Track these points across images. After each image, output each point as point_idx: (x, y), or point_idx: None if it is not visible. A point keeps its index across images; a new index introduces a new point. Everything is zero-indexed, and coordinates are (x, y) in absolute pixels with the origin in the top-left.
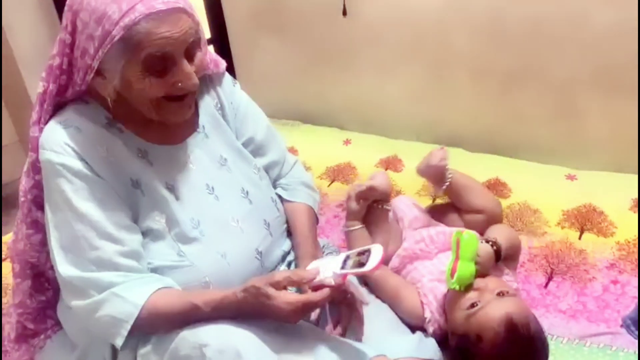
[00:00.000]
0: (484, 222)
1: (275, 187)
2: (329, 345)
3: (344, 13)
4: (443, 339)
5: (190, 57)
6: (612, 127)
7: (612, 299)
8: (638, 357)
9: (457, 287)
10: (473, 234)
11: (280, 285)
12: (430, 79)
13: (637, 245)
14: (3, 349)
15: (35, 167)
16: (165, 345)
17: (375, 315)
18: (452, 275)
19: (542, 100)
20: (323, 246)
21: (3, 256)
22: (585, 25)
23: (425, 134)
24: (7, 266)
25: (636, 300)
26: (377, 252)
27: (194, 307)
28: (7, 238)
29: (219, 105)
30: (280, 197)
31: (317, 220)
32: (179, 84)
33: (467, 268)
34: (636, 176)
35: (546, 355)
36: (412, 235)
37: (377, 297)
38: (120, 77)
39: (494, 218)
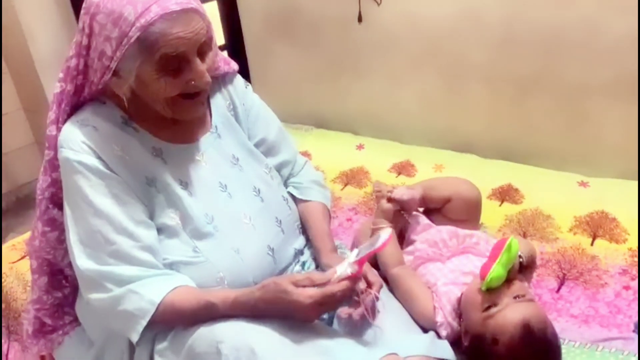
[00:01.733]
0: (460, 207)
1: (286, 186)
2: (341, 345)
3: (360, 20)
4: (455, 343)
5: (202, 56)
6: (625, 134)
7: (624, 304)
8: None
9: (484, 289)
10: (517, 241)
11: (299, 284)
12: (443, 86)
13: None
14: (23, 345)
15: (52, 165)
16: (182, 342)
17: (389, 314)
18: (483, 275)
19: (555, 108)
20: (336, 247)
21: (22, 254)
22: (599, 33)
23: (439, 140)
24: (25, 263)
25: None
26: (385, 232)
27: (210, 305)
28: (26, 236)
29: (231, 106)
30: (292, 196)
31: (330, 217)
32: (193, 82)
33: (500, 272)
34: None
35: (559, 356)
36: (423, 235)
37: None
38: (136, 77)
39: (468, 200)
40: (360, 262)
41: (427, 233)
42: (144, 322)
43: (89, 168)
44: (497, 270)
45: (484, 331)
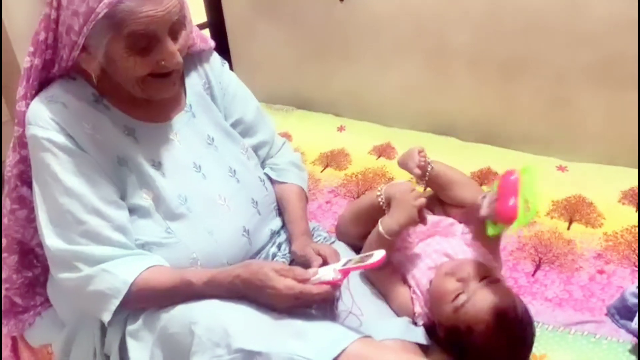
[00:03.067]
0: (465, 214)
1: (264, 167)
2: (316, 327)
3: None
4: (432, 331)
5: (174, 35)
6: (605, 119)
7: (598, 288)
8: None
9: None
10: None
11: (281, 272)
12: (426, 69)
13: (624, 237)
14: None
15: (22, 142)
16: (154, 323)
17: (365, 299)
18: (507, 216)
19: (536, 92)
20: (313, 228)
21: None
22: (581, 17)
23: (420, 123)
24: None
25: (621, 290)
26: (379, 253)
27: (186, 282)
28: None
29: (207, 85)
30: (269, 177)
31: (307, 199)
32: (163, 63)
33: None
34: (627, 169)
35: (533, 334)
36: None
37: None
38: (105, 54)
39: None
40: (344, 272)
41: None
42: (117, 302)
43: (57, 145)
44: (532, 204)
45: (457, 322)
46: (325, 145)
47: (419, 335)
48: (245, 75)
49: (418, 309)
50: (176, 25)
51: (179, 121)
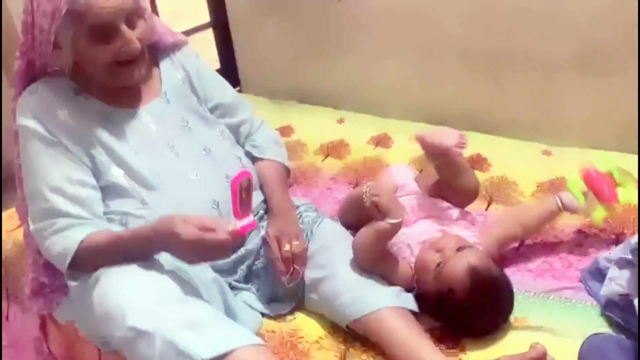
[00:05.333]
0: (461, 199)
1: (245, 145)
2: (215, 322)
3: None
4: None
5: (131, 24)
6: (589, 105)
7: (576, 259)
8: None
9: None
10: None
11: (188, 221)
12: (420, 62)
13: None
14: (23, 308)
15: (17, 135)
16: (90, 289)
17: (355, 270)
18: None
19: (523, 81)
20: (302, 206)
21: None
22: (564, 9)
23: (414, 113)
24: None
25: (595, 256)
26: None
27: (117, 238)
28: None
29: (184, 75)
30: (251, 155)
31: (288, 173)
32: (123, 49)
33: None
34: (606, 152)
35: (511, 296)
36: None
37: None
38: (72, 47)
39: (472, 195)
40: (245, 226)
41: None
42: (69, 258)
43: (31, 132)
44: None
45: (439, 286)
46: (325, 137)
47: (410, 301)
48: (249, 71)
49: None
50: (132, 16)
51: (154, 106)
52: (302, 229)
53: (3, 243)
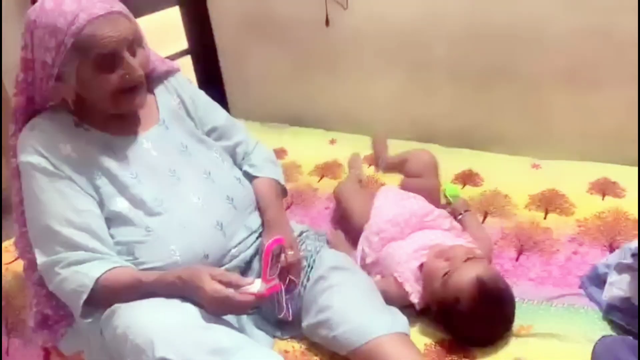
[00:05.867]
0: (417, 166)
1: (242, 165)
2: (241, 347)
3: (327, 23)
4: (426, 307)
5: (132, 52)
6: (574, 119)
7: (574, 266)
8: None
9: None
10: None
11: (215, 277)
12: (410, 81)
13: (594, 222)
14: (26, 338)
15: (18, 171)
16: (109, 322)
17: (352, 297)
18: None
19: (511, 98)
20: (304, 232)
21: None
22: (551, 27)
23: (405, 132)
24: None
25: (591, 263)
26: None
27: (136, 281)
28: (8, 244)
29: (179, 101)
30: (248, 174)
31: (284, 192)
32: (127, 76)
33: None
34: (594, 163)
35: (514, 306)
36: (388, 211)
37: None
38: (77, 78)
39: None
40: (272, 288)
41: (391, 214)
42: (84, 296)
43: (35, 167)
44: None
45: (446, 294)
46: (319, 158)
47: (404, 325)
48: (238, 96)
49: (409, 288)
50: (133, 44)
51: (154, 133)
52: (304, 256)
53: (3, 276)
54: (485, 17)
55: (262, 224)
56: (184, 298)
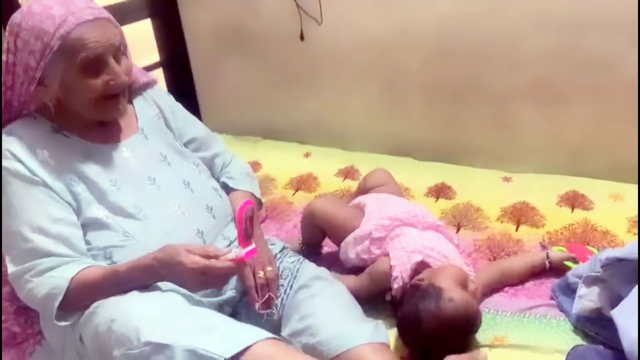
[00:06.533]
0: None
1: (220, 176)
2: (226, 323)
3: (302, 38)
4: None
5: (117, 59)
6: (543, 133)
7: (546, 278)
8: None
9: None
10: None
11: (192, 251)
12: (384, 96)
13: (563, 234)
14: None
15: None
16: (90, 322)
17: (333, 306)
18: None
19: (482, 112)
20: (286, 247)
21: None
22: (518, 45)
23: (380, 145)
24: None
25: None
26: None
27: (113, 272)
28: None
29: (158, 111)
30: (226, 186)
31: (260, 205)
32: (112, 82)
33: None
34: (563, 176)
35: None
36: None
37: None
38: (60, 83)
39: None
40: (248, 252)
41: (408, 205)
42: (60, 297)
43: (11, 173)
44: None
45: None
46: (293, 171)
47: (384, 336)
48: (211, 109)
49: (396, 273)
50: (118, 52)
51: (133, 142)
52: (286, 267)
53: None
54: (457, 34)
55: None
56: (164, 286)
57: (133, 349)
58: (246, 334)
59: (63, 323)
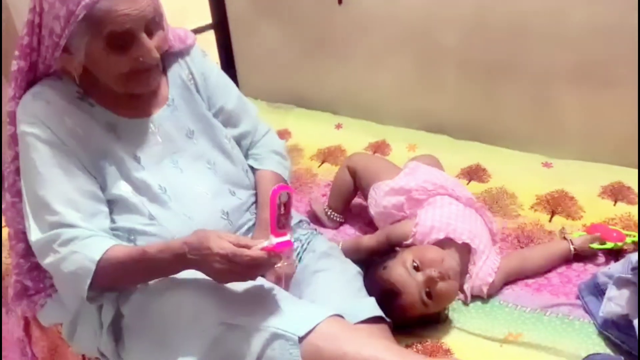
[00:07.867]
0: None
1: (247, 157)
2: (290, 304)
3: (340, 1)
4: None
5: (149, 33)
6: (586, 118)
7: (574, 275)
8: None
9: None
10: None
11: (223, 237)
12: (419, 70)
13: None
14: (7, 309)
15: (15, 139)
16: (146, 308)
17: (339, 281)
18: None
19: (522, 92)
20: (300, 221)
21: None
22: (564, 22)
23: (413, 121)
24: (6, 230)
25: (594, 272)
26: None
27: (141, 253)
28: None
29: (190, 76)
30: (252, 167)
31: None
32: (141, 59)
33: None
34: (607, 165)
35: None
36: (441, 175)
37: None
38: (85, 54)
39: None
40: (281, 243)
41: (454, 180)
42: (88, 280)
43: (39, 139)
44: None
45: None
46: (323, 142)
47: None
48: (246, 73)
49: (418, 234)
50: (151, 24)
51: (161, 116)
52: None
53: None
54: (496, 7)
55: (255, 222)
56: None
57: (207, 329)
58: (313, 312)
59: (95, 303)
